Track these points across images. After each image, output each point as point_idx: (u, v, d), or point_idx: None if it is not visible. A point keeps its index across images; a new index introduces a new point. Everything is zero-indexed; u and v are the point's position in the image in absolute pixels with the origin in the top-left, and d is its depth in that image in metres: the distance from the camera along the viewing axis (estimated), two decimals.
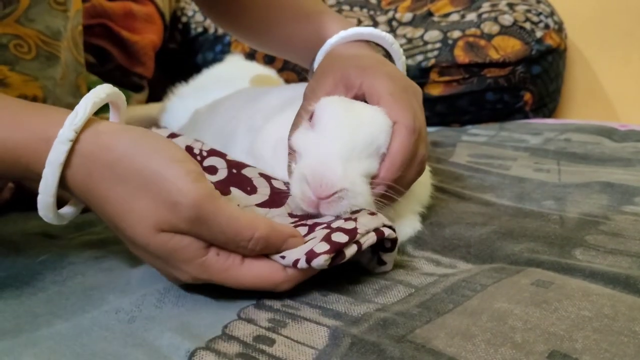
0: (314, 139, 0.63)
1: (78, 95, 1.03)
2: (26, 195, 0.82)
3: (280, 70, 1.41)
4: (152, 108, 1.31)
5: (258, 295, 0.55)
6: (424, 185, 0.75)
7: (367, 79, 0.67)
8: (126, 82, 1.46)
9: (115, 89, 0.56)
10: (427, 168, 0.76)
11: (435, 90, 1.31)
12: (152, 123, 1.24)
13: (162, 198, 0.49)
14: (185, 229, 0.49)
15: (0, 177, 0.67)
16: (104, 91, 0.54)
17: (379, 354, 0.45)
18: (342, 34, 0.77)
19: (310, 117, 0.65)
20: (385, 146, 0.63)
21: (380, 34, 0.78)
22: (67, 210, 0.56)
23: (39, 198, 0.52)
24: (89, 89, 1.26)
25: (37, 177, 0.51)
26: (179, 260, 0.51)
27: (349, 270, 0.61)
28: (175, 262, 0.51)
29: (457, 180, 0.89)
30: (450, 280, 0.57)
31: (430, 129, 1.24)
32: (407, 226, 0.70)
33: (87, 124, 0.51)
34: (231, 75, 1.18)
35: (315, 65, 0.78)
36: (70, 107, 0.52)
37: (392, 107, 0.64)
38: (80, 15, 1.06)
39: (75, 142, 0.50)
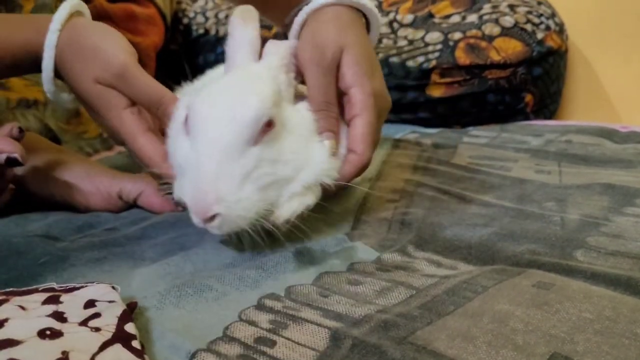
0: (188, 151, 0.62)
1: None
2: (26, 196, 0.83)
3: None
4: None
5: (259, 297, 0.55)
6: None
7: (356, 90, 0.72)
8: None
9: (82, 2, 0.74)
10: None
11: (437, 92, 1.31)
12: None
13: (101, 58, 0.67)
14: (114, 83, 0.67)
15: (13, 72, 0.81)
16: (75, 1, 0.73)
17: (380, 356, 0.45)
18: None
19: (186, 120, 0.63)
20: (267, 115, 0.61)
21: (363, 1, 0.79)
22: (64, 95, 0.75)
23: (43, 75, 0.72)
24: None
25: (40, 61, 0.71)
26: (106, 109, 0.68)
27: (349, 271, 0.61)
28: (103, 111, 0.69)
29: (458, 181, 0.89)
30: (451, 282, 0.57)
31: (431, 130, 1.24)
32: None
33: (68, 20, 0.71)
34: None
35: (296, 27, 0.78)
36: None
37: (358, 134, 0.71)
38: None
39: (61, 31, 0.70)
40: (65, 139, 1.06)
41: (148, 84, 0.68)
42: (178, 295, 0.55)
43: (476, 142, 1.14)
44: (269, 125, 0.61)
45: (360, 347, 0.46)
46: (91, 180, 0.81)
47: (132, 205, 0.81)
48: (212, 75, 1.20)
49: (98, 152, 1.09)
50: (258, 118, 0.60)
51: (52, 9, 0.95)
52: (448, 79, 1.29)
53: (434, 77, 1.30)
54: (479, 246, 0.66)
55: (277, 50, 0.70)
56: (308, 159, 0.66)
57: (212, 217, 0.58)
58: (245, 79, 0.66)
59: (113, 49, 0.68)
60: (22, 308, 0.47)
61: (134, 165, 0.98)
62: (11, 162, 0.71)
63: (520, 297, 0.53)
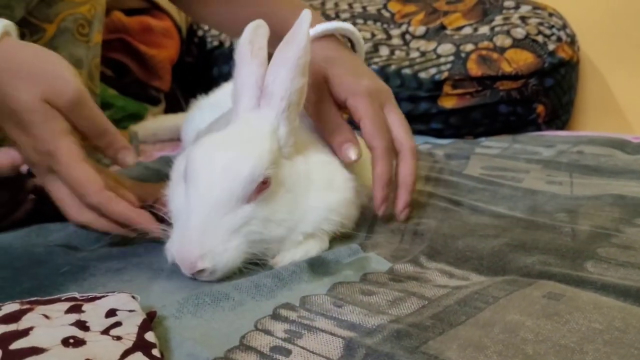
0: (182, 201, 0.64)
1: None
2: (47, 206, 0.85)
3: None
4: (176, 119, 1.34)
5: (274, 306, 0.56)
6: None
7: (350, 98, 0.78)
8: (144, 95, 1.49)
9: (12, 23, 0.70)
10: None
11: (449, 103, 1.32)
12: (178, 133, 1.27)
13: (54, 81, 0.64)
14: (64, 109, 0.64)
15: None
16: (6, 22, 0.69)
17: None
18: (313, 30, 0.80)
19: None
20: (262, 175, 0.62)
21: (344, 26, 0.84)
22: None
23: None
24: (107, 103, 1.29)
25: None
26: (44, 129, 0.64)
27: (363, 282, 0.62)
28: (40, 131, 0.64)
29: (470, 192, 0.90)
30: (462, 293, 0.58)
31: (444, 141, 1.25)
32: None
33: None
34: None
35: None
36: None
37: (369, 132, 0.76)
38: (99, 48, 1.11)
39: None
40: None
41: (98, 114, 0.68)
42: (196, 304, 0.57)
43: (488, 152, 1.15)
44: (265, 184, 0.63)
45: (374, 356, 0.47)
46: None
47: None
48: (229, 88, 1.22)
49: (113, 165, 1.11)
50: (253, 178, 0.62)
51: (74, 34, 0.99)
52: (460, 90, 1.31)
53: (446, 89, 1.31)
54: (491, 257, 0.67)
55: (279, 90, 0.68)
56: (306, 211, 0.67)
57: (201, 271, 0.60)
58: (245, 136, 0.66)
59: (68, 74, 0.65)
60: (46, 317, 0.48)
61: (150, 175, 1.00)
62: (31, 172, 0.73)
63: (530, 308, 0.54)
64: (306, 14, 0.68)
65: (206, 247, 0.60)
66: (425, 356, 0.47)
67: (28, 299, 0.52)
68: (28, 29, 0.94)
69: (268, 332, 0.52)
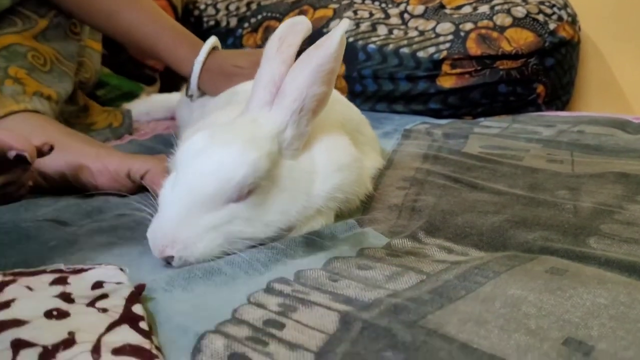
0: (169, 190, 0.62)
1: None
2: (46, 184, 0.84)
3: None
4: (170, 98, 1.32)
5: (268, 280, 0.55)
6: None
7: None
8: (138, 74, 1.47)
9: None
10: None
11: (447, 83, 1.29)
12: (172, 112, 1.25)
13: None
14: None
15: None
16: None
17: (390, 339, 0.44)
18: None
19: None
20: (253, 182, 0.60)
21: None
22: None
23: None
24: (101, 82, 1.32)
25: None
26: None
27: (359, 256, 0.60)
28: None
29: (469, 170, 0.88)
30: (462, 268, 0.57)
31: (442, 121, 1.23)
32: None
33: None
34: None
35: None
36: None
37: None
38: (97, 56, 1.23)
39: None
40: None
41: None
42: (187, 278, 0.55)
43: (487, 132, 1.13)
44: (255, 187, 0.60)
45: (370, 329, 0.46)
46: (100, 160, 0.81)
47: (142, 188, 0.81)
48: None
49: (109, 141, 1.09)
50: (244, 184, 0.59)
51: (66, 31, 1.04)
52: (459, 70, 1.28)
53: (445, 68, 1.29)
54: (491, 233, 0.65)
55: (294, 92, 0.65)
56: (309, 201, 0.65)
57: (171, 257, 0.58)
58: (247, 134, 0.63)
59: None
60: (29, 289, 0.46)
61: (144, 153, 0.98)
62: (19, 159, 0.70)
63: (533, 283, 0.52)
64: (344, 22, 0.65)
65: (179, 237, 0.58)
66: (424, 330, 0.45)
67: (11, 271, 0.50)
68: (19, 18, 0.97)
69: (261, 306, 0.50)
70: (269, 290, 0.53)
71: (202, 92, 0.99)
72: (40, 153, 0.74)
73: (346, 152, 0.70)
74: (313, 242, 0.63)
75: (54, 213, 0.74)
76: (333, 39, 0.63)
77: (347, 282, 0.55)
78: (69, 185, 0.83)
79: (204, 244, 0.58)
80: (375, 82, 1.34)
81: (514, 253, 0.60)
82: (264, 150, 0.61)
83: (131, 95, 1.38)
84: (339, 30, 0.63)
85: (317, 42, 0.65)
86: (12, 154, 0.70)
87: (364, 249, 0.62)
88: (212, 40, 1.01)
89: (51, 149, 0.75)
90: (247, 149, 0.60)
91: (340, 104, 0.84)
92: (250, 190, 0.60)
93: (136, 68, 1.46)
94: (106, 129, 1.11)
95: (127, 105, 1.28)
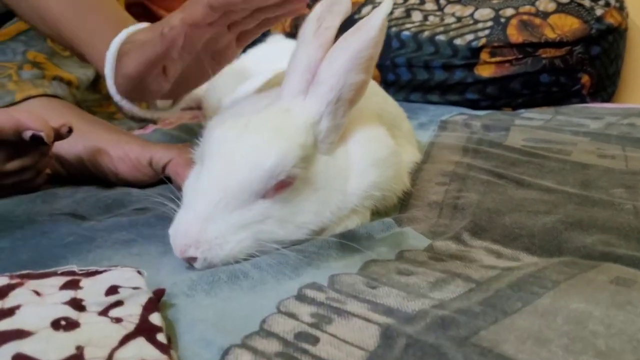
0: (194, 182, 0.57)
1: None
2: (64, 172, 0.80)
3: None
4: (200, 87, 1.27)
5: (299, 286, 0.50)
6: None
7: None
8: None
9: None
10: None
11: (486, 72, 1.23)
12: (198, 101, 1.20)
13: None
14: None
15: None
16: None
17: (439, 358, 0.39)
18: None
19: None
20: (285, 173, 0.54)
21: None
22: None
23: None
24: None
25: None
26: None
27: (399, 260, 0.55)
28: None
29: (513, 165, 0.82)
30: (515, 275, 0.51)
31: (480, 112, 1.17)
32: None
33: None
34: (274, 56, 1.13)
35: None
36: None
37: None
38: None
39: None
40: None
41: None
42: (210, 281, 0.50)
43: (529, 124, 1.06)
44: (287, 182, 0.55)
45: (416, 347, 0.40)
46: (121, 147, 0.77)
47: (165, 180, 0.77)
48: (254, 55, 1.15)
49: (132, 130, 1.05)
50: (274, 174, 0.54)
51: None
52: (499, 58, 1.22)
53: (484, 56, 1.22)
54: (543, 235, 0.59)
55: (331, 80, 0.59)
56: (344, 201, 0.60)
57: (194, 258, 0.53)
58: (278, 123, 0.57)
59: None
60: (37, 293, 0.42)
61: (168, 142, 0.94)
62: (36, 140, 0.67)
63: (597, 295, 0.46)
64: (386, 3, 0.58)
65: (204, 236, 0.53)
66: (477, 349, 0.40)
67: (19, 272, 0.45)
68: None
69: (292, 316, 0.45)
70: (300, 297, 0.48)
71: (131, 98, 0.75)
72: (59, 136, 0.70)
73: (383, 145, 0.64)
74: (348, 241, 0.57)
75: (71, 206, 0.70)
76: (374, 22, 0.57)
77: (386, 289, 0.49)
78: (89, 174, 0.79)
79: (231, 245, 0.53)
80: (409, 71, 1.28)
81: (571, 259, 0.54)
82: (297, 141, 0.56)
83: None
84: (380, 13, 0.57)
85: (356, 25, 0.59)
86: (27, 134, 0.66)
87: (403, 251, 0.57)
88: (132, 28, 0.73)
89: (70, 131, 0.71)
90: (278, 138, 0.55)
91: (376, 94, 0.79)
92: (282, 186, 0.55)
93: None
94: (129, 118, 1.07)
95: None
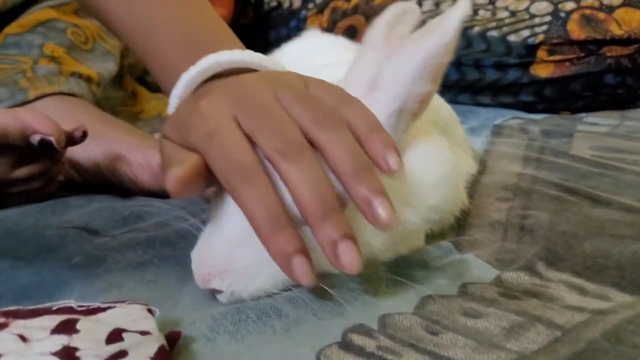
0: (223, 198, 0.47)
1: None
2: (79, 178, 0.73)
3: None
4: None
5: (344, 329, 0.41)
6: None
7: None
8: None
9: None
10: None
11: (544, 72, 1.12)
12: None
13: None
14: None
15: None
16: None
17: None
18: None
19: None
20: None
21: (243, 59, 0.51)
22: None
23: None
24: None
25: None
26: None
27: (462, 296, 0.46)
28: None
29: (583, 178, 0.72)
30: (609, 320, 0.41)
31: (537, 116, 1.06)
32: None
33: None
34: (309, 51, 1.04)
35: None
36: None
37: None
38: None
39: None
40: None
41: None
42: (236, 321, 0.41)
43: (595, 130, 0.95)
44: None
45: None
46: (142, 152, 0.69)
47: None
48: (290, 50, 1.06)
49: (157, 132, 0.98)
50: None
51: None
52: (558, 57, 1.11)
53: (541, 54, 1.12)
54: (634, 266, 0.49)
55: (394, 89, 0.49)
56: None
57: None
58: None
59: None
60: (23, 339, 0.34)
61: None
62: (45, 145, 0.59)
63: None
64: (463, 4, 0.48)
65: (232, 265, 0.44)
66: None
67: (7, 309, 0.37)
68: None
69: None
70: (345, 345, 0.39)
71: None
72: (72, 140, 0.63)
73: (444, 160, 0.55)
74: (400, 272, 0.48)
75: (84, 218, 0.62)
76: (448, 26, 0.47)
77: (451, 336, 0.40)
78: (106, 181, 0.72)
79: (264, 277, 0.44)
80: (457, 70, 1.18)
81: None
82: None
83: None
84: (456, 16, 0.47)
85: (426, 27, 0.50)
86: (35, 138, 0.59)
87: (467, 284, 0.48)
88: (224, 56, 0.49)
89: (84, 135, 0.63)
90: None
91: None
92: None
93: None
94: (155, 118, 1.00)
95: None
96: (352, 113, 0.45)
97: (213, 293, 0.45)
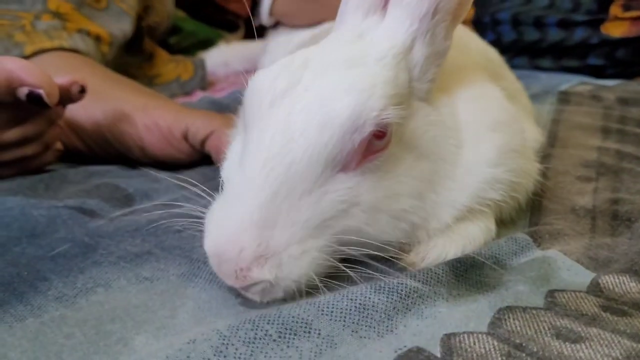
0: (235, 164, 0.38)
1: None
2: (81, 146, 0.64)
3: None
4: (254, 47, 1.10)
5: (395, 351, 0.30)
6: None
7: None
8: (220, 20, 1.27)
9: None
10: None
11: (617, 31, 0.99)
12: (253, 62, 1.03)
13: None
14: None
15: None
16: None
17: None
18: None
19: None
20: (372, 123, 0.35)
21: None
22: None
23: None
24: (175, 28, 1.09)
25: None
26: None
27: (551, 309, 0.34)
28: None
29: None
30: None
31: (608, 82, 0.93)
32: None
33: None
34: None
35: None
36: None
37: None
38: None
39: None
40: None
41: None
42: (252, 339, 0.31)
43: None
44: (379, 139, 0.35)
45: None
46: (149, 113, 0.60)
47: (205, 157, 0.60)
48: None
49: (175, 97, 0.88)
50: (356, 126, 0.34)
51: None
52: (634, 13, 0.97)
53: (615, 11, 0.99)
54: None
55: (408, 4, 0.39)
56: (456, 181, 0.40)
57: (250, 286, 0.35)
58: (349, 57, 0.38)
59: None
60: None
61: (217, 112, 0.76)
62: (33, 99, 0.50)
63: None
64: None
65: (267, 248, 0.33)
66: None
67: None
68: None
69: None
70: None
71: (276, 20, 0.65)
72: (68, 97, 0.54)
73: (501, 106, 0.44)
74: (466, 274, 0.37)
75: (80, 196, 0.52)
76: None
77: None
78: (110, 148, 0.63)
79: (313, 254, 0.34)
80: (514, 30, 1.05)
81: None
82: (382, 75, 0.37)
83: (208, 44, 1.17)
84: None
85: None
86: (23, 91, 0.50)
87: (555, 291, 0.36)
88: None
89: (83, 91, 0.55)
90: (354, 75, 0.36)
91: (474, 40, 0.59)
92: (368, 152, 0.35)
93: (217, 13, 1.25)
94: (173, 82, 0.90)
95: (202, 55, 1.06)
96: None
97: (243, 290, 0.35)
